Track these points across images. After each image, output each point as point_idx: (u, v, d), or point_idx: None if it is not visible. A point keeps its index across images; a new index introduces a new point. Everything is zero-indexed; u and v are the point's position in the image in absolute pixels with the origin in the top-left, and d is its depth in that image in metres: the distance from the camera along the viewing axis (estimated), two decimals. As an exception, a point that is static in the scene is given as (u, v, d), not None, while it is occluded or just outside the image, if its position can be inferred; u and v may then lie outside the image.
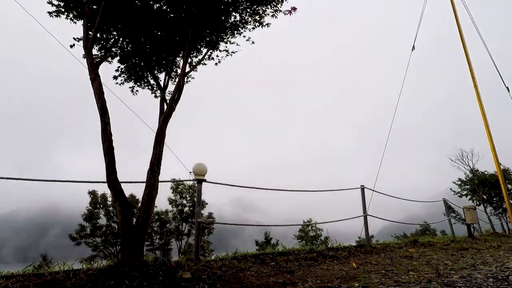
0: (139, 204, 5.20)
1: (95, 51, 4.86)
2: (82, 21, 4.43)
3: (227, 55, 5.60)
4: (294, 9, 5.07)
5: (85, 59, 4.24)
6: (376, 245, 7.23)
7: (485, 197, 24.67)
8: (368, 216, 7.02)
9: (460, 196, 25.99)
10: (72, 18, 4.83)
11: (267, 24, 5.28)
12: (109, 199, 24.79)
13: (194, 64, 5.57)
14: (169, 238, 25.76)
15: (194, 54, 5.63)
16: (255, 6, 5.08)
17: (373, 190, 7.76)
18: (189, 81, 5.75)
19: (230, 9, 5.03)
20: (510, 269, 4.14)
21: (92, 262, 4.86)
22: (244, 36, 5.42)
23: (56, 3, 4.65)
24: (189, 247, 24.02)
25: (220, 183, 5.24)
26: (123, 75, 5.47)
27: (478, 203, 24.16)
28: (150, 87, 5.67)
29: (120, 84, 5.52)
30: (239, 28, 5.35)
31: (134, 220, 3.65)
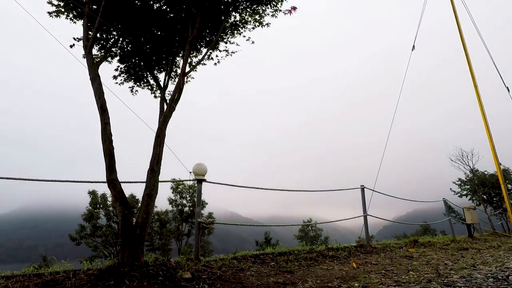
0: (139, 204, 5.19)
1: (95, 51, 4.86)
2: (82, 21, 4.43)
3: (227, 55, 5.60)
4: (294, 8, 5.07)
5: (85, 59, 4.24)
6: (376, 245, 7.23)
7: (485, 197, 24.68)
8: (368, 216, 7.02)
9: (460, 196, 26.01)
10: (72, 18, 4.83)
11: (267, 24, 5.28)
12: (109, 199, 24.82)
13: (194, 64, 5.57)
14: (169, 238, 25.77)
15: (194, 54, 5.63)
16: (255, 6, 5.08)
17: (373, 190, 7.76)
18: (189, 81, 5.76)
19: (230, 9, 5.03)
20: (510, 269, 4.14)
21: (92, 262, 4.85)
22: (244, 36, 5.43)
23: (56, 3, 4.65)
24: (189, 247, 24.05)
25: (220, 183, 5.24)
26: (123, 75, 5.47)
27: (478, 203, 24.17)
28: (150, 87, 5.67)
29: (120, 84, 5.52)
30: (239, 28, 5.35)
31: (134, 220, 3.65)
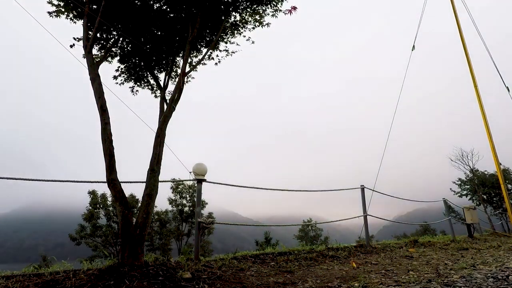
0: (139, 204, 5.19)
1: (95, 51, 4.86)
2: (82, 21, 4.43)
3: (227, 55, 5.60)
4: (294, 8, 5.07)
5: (85, 59, 4.24)
6: (376, 245, 7.23)
7: (485, 197, 24.67)
8: (368, 216, 7.02)
9: (460, 196, 26.01)
10: (72, 18, 4.83)
11: (267, 24, 5.28)
12: (109, 199, 24.81)
13: (194, 64, 5.57)
14: (169, 238, 25.77)
15: (194, 54, 5.63)
16: (255, 6, 5.08)
17: (373, 190, 7.76)
18: (189, 81, 5.75)
19: (230, 9, 5.03)
20: (510, 269, 4.14)
21: (92, 262, 4.86)
22: (244, 36, 5.43)
23: (56, 3, 4.65)
24: (189, 247, 24.04)
25: (220, 183, 5.24)
26: (123, 75, 5.47)
27: (478, 203, 24.17)
28: (150, 87, 5.67)
29: (120, 84, 5.52)
30: (239, 28, 5.35)
31: (134, 220, 3.65)
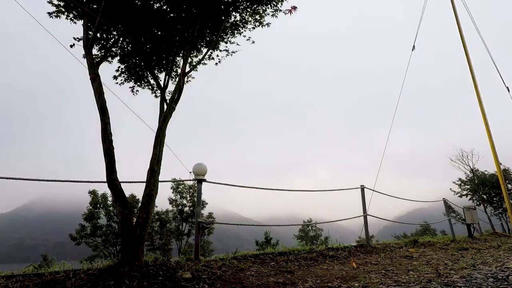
0: (139, 204, 5.20)
1: (95, 51, 4.86)
2: (82, 21, 4.43)
3: (227, 55, 5.61)
4: (294, 8, 5.07)
5: (85, 59, 4.24)
6: (376, 245, 7.23)
7: (485, 197, 24.66)
8: (368, 216, 7.02)
9: (460, 196, 26.01)
10: (72, 18, 4.83)
11: (267, 24, 5.29)
12: (109, 199, 24.81)
13: (194, 64, 5.57)
14: (169, 238, 25.76)
15: (194, 54, 5.63)
16: (255, 6, 5.09)
17: (373, 190, 7.76)
18: (189, 81, 5.75)
19: (230, 9, 5.03)
20: (510, 269, 4.14)
21: (92, 262, 4.86)
22: (244, 36, 5.43)
23: (56, 3, 4.65)
24: (189, 247, 24.02)
25: (220, 183, 5.24)
26: (123, 75, 5.47)
27: (478, 203, 24.17)
28: (150, 87, 5.67)
29: (120, 84, 5.52)
30: (239, 28, 5.35)
31: (134, 220, 3.65)
